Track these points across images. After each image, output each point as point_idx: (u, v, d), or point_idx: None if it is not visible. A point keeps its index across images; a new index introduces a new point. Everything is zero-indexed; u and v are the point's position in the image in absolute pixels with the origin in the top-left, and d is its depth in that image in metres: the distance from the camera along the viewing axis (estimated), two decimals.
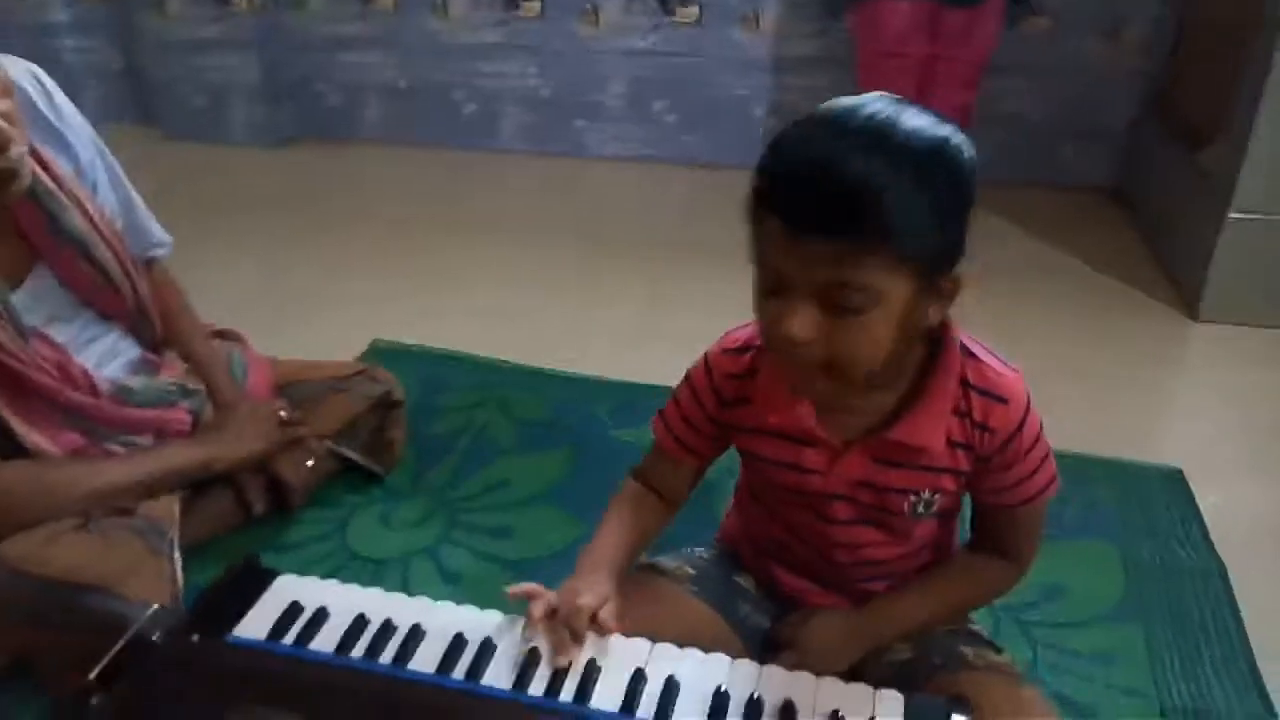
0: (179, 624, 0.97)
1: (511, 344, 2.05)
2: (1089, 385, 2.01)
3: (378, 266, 2.50)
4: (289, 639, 0.95)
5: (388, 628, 0.96)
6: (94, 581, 1.13)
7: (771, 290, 0.83)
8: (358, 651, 0.94)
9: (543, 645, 0.89)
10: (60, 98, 1.33)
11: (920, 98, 1.45)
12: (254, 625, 0.97)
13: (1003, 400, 0.92)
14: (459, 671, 0.89)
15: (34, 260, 1.27)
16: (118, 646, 0.96)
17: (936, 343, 0.92)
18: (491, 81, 3.21)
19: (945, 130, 0.81)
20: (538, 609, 0.91)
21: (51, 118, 1.30)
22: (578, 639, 0.88)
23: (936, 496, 0.97)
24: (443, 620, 0.97)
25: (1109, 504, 1.64)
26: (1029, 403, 0.94)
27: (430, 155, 3.27)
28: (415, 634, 0.95)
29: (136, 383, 1.38)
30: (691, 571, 1.13)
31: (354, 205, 2.91)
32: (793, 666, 0.90)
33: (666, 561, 1.15)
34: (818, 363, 0.83)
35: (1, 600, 1.19)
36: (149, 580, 1.20)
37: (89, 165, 1.37)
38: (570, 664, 0.87)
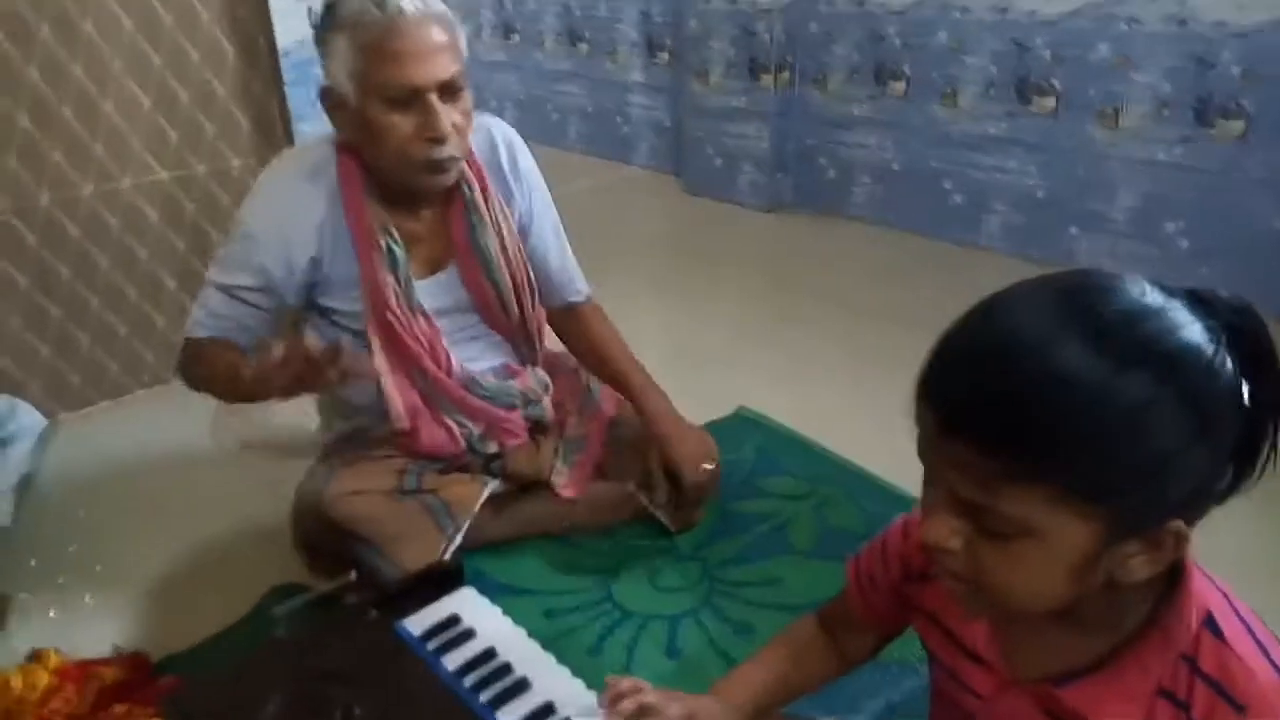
0: (373, 598, 1.14)
1: (872, 448, 1.94)
2: None
3: (802, 336, 2.55)
4: (433, 645, 1.07)
5: (504, 670, 1.03)
6: (371, 535, 1.36)
7: (925, 478, 0.71)
8: (470, 679, 1.02)
9: None
10: (524, 160, 1.64)
11: None
12: (421, 621, 1.11)
13: (1238, 707, 0.66)
14: None
15: (449, 260, 1.57)
16: (319, 591, 1.17)
17: (1171, 588, 0.71)
18: (985, 175, 3.06)
19: (1205, 337, 0.61)
20: (628, 707, 0.88)
21: (507, 171, 1.62)
22: None
23: None
24: (548, 683, 1.01)
25: None
26: None
27: (907, 240, 3.23)
28: (521, 686, 1.01)
29: (487, 380, 1.62)
30: None
31: (813, 277, 3.00)
32: None
33: None
34: (963, 579, 0.69)
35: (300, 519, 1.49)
36: (418, 550, 1.42)
37: (527, 213, 1.66)
38: None
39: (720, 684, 0.96)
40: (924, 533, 0.69)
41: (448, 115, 1.38)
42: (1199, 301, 0.64)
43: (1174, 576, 0.71)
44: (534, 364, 1.73)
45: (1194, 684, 0.68)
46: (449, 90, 1.38)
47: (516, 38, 4.50)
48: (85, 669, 1.35)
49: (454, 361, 1.58)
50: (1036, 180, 2.96)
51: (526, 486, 1.67)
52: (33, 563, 1.73)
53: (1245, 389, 0.62)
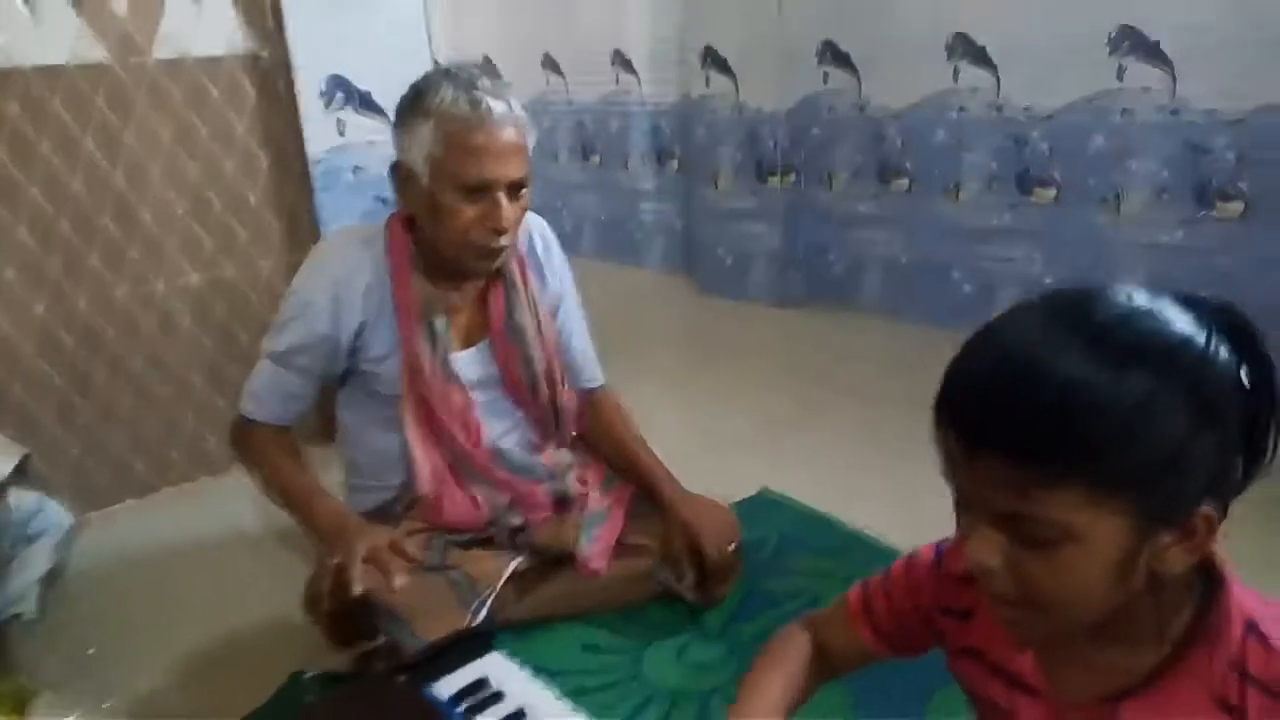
0: (400, 665, 1.14)
1: (894, 524, 1.94)
2: None
3: (820, 423, 2.56)
4: (462, 707, 1.06)
5: None
6: (394, 607, 1.36)
7: (957, 503, 0.73)
8: None
9: None
10: (554, 249, 1.76)
11: None
12: (449, 685, 1.10)
13: None
14: None
15: (485, 335, 1.62)
16: (349, 658, 1.17)
17: (1209, 598, 0.72)
18: (992, 264, 3.12)
19: (1196, 328, 0.65)
20: None
21: (541, 258, 1.72)
22: None
23: None
24: None
25: None
26: None
27: (918, 330, 3.27)
28: None
29: (514, 453, 1.65)
30: None
31: (827, 367, 3.03)
32: None
33: None
34: (1010, 598, 0.70)
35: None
36: (441, 625, 1.41)
37: (557, 296, 1.73)
38: None
39: (743, 705, 0.94)
40: (968, 552, 0.70)
41: (510, 212, 1.48)
42: (1184, 301, 0.68)
43: (1211, 585, 0.72)
44: (559, 445, 1.76)
45: (1245, 689, 0.69)
46: (516, 188, 1.49)
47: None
48: None
49: (483, 433, 1.62)
50: (1042, 268, 3.02)
51: (550, 565, 1.67)
52: (60, 650, 1.73)
53: (1244, 372, 0.66)
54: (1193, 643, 0.71)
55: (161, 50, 2.12)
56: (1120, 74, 2.69)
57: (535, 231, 1.73)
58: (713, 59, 3.59)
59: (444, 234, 1.50)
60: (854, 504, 2.04)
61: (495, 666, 1.12)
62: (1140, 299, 0.67)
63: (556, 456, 1.72)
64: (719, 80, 3.60)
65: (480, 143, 1.43)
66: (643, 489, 1.75)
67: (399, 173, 1.52)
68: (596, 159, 4.43)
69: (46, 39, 1.97)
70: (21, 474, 1.86)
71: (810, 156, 3.52)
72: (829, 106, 3.43)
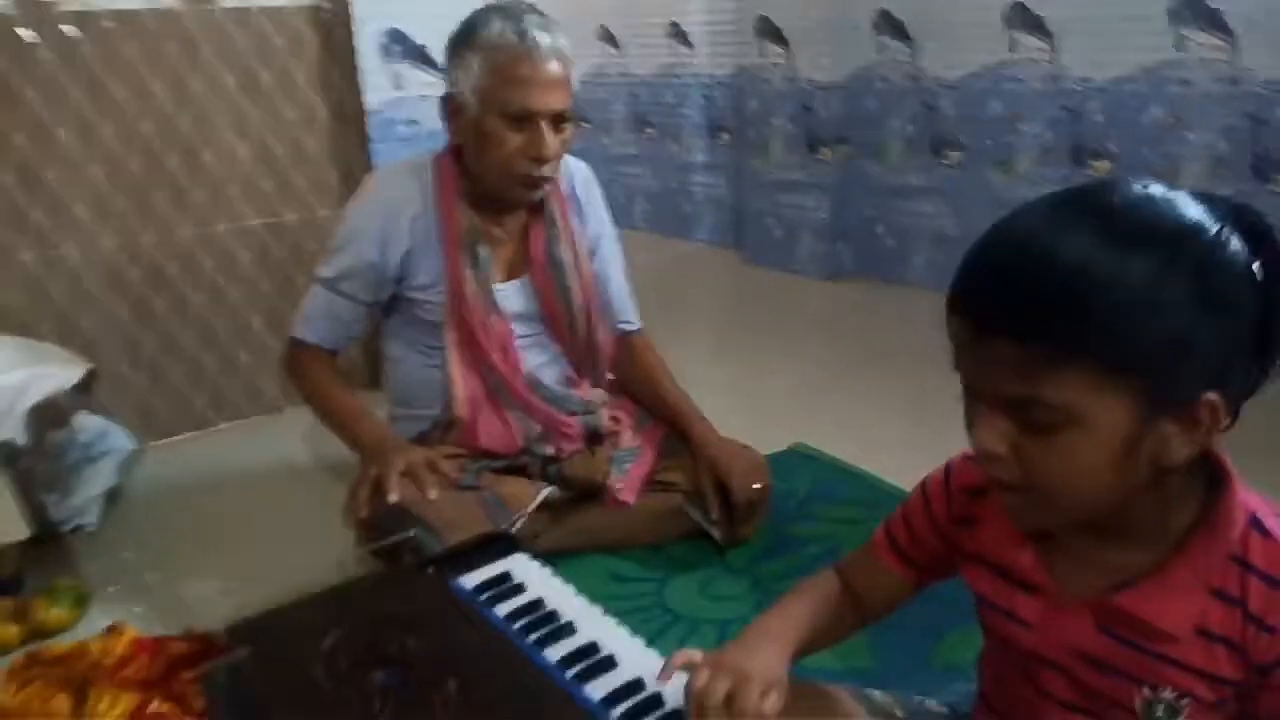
0: (432, 558, 1.19)
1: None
2: None
3: (860, 388, 2.58)
4: (484, 597, 1.11)
5: (552, 616, 1.07)
6: (426, 517, 1.41)
7: (966, 393, 0.74)
8: (519, 624, 1.05)
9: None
10: (595, 192, 1.81)
11: None
12: (474, 579, 1.15)
13: None
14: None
15: (526, 269, 1.68)
16: (383, 544, 1.23)
17: (1213, 496, 0.73)
18: None
19: (1209, 217, 0.66)
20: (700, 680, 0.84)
21: (581, 199, 1.77)
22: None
23: (1184, 704, 0.73)
24: (594, 628, 1.04)
25: None
26: None
27: None
28: (567, 629, 1.04)
29: (551, 384, 1.70)
30: (900, 715, 1.00)
31: (871, 338, 3.03)
32: None
33: (876, 694, 1.03)
34: (1016, 485, 0.71)
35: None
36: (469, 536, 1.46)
37: (595, 238, 1.79)
38: None
39: (760, 628, 0.95)
40: (975, 439, 0.71)
41: (553, 142, 1.53)
42: (1200, 195, 0.68)
43: (1214, 486, 0.73)
44: (594, 385, 1.80)
45: (1247, 579, 0.70)
46: (558, 119, 1.55)
47: (587, 125, 4.74)
48: (158, 642, 1.41)
49: (521, 361, 1.67)
50: None
51: (581, 497, 1.72)
52: (117, 559, 1.83)
53: (1256, 266, 0.66)
54: (1196, 536, 0.72)
55: None
56: (1180, 44, 2.65)
57: (577, 173, 1.77)
58: (768, 30, 3.60)
59: (489, 163, 1.55)
60: (887, 460, 2.05)
61: (518, 564, 1.17)
62: (1155, 189, 0.67)
63: (591, 393, 1.77)
64: (773, 51, 3.60)
65: (526, 73, 1.49)
66: (674, 429, 1.79)
67: (449, 105, 1.58)
68: (651, 131, 4.46)
69: None
70: (88, 397, 1.97)
71: (862, 128, 3.52)
72: (882, 77, 3.42)
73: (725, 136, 4.11)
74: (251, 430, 2.44)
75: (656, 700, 0.90)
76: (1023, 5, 2.97)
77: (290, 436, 2.32)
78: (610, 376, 1.86)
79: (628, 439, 1.79)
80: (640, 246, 4.23)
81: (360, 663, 0.96)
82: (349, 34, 2.36)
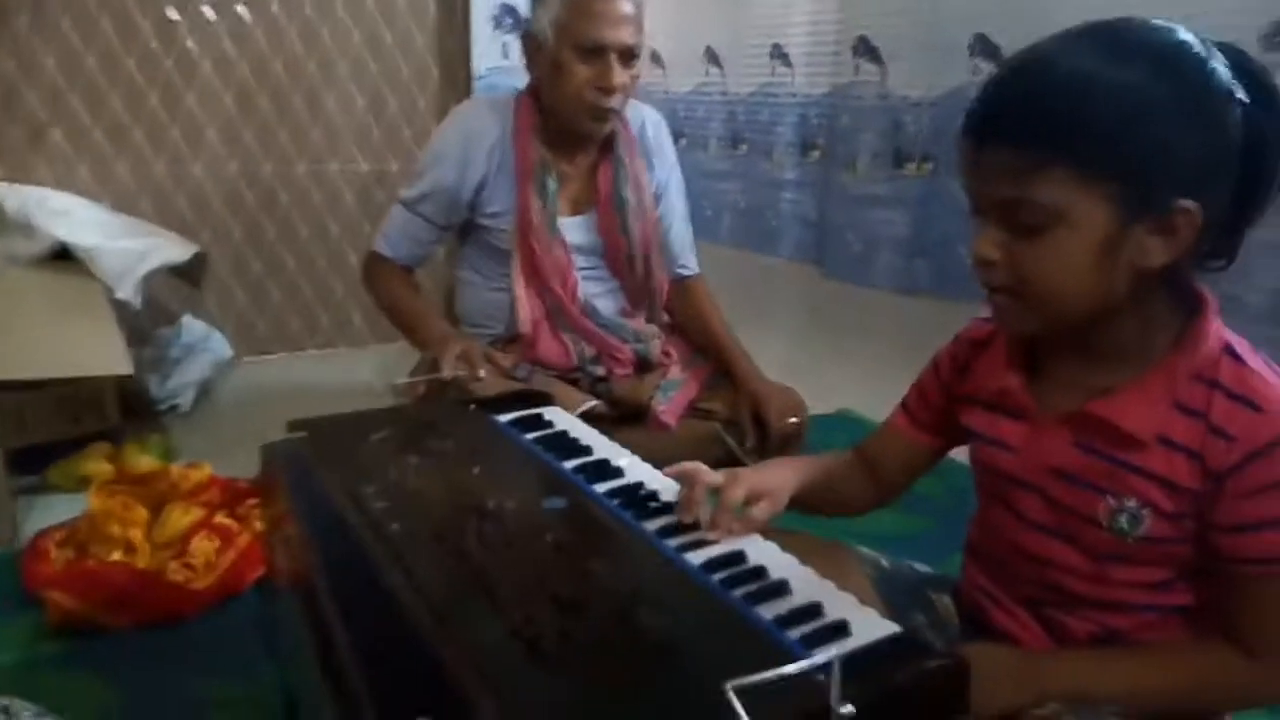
0: (474, 399, 1.31)
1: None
2: None
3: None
4: (517, 429, 1.22)
5: (575, 442, 1.17)
6: (478, 396, 1.53)
7: (973, 212, 0.81)
8: (543, 445, 1.15)
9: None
10: (667, 141, 1.91)
11: None
12: (509, 416, 1.26)
13: (1256, 408, 0.73)
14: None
15: (592, 206, 1.80)
16: (436, 377, 1.35)
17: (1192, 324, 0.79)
18: None
19: (1203, 47, 0.71)
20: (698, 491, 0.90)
21: (651, 144, 1.88)
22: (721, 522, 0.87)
23: (1145, 513, 0.78)
24: (612, 451, 1.13)
25: None
26: None
27: None
28: (587, 450, 1.14)
29: (605, 313, 1.81)
30: (885, 565, 1.06)
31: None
32: None
33: (866, 550, 1.09)
34: (1007, 290, 0.77)
35: None
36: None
37: (662, 184, 1.90)
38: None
39: (773, 460, 1.03)
40: (974, 250, 0.78)
41: (620, 74, 1.66)
42: (1201, 38, 0.74)
43: (1194, 314, 0.78)
44: (648, 320, 1.91)
45: (1212, 396, 0.74)
46: (627, 55, 1.67)
47: (684, 141, 4.92)
48: (231, 481, 1.57)
49: (579, 289, 1.78)
50: None
51: (624, 417, 1.81)
52: (203, 435, 2.01)
53: (1241, 91, 0.72)
54: (1173, 353, 0.77)
55: None
56: None
57: (649, 120, 1.88)
58: (865, 48, 3.71)
59: (560, 94, 1.68)
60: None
61: (551, 412, 1.27)
62: (1162, 22, 0.74)
63: (645, 326, 1.87)
64: (868, 69, 3.71)
65: (599, 8, 1.62)
66: (721, 368, 1.87)
67: (529, 43, 1.73)
68: (744, 148, 4.60)
69: None
70: (197, 294, 2.18)
71: (949, 146, 3.57)
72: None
73: (815, 154, 4.21)
74: (337, 359, 2.63)
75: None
76: None
77: (373, 366, 2.49)
78: (666, 319, 1.96)
79: (675, 373, 1.88)
80: (723, 262, 4.35)
81: (403, 449, 1.08)
82: (467, 5, 2.57)
